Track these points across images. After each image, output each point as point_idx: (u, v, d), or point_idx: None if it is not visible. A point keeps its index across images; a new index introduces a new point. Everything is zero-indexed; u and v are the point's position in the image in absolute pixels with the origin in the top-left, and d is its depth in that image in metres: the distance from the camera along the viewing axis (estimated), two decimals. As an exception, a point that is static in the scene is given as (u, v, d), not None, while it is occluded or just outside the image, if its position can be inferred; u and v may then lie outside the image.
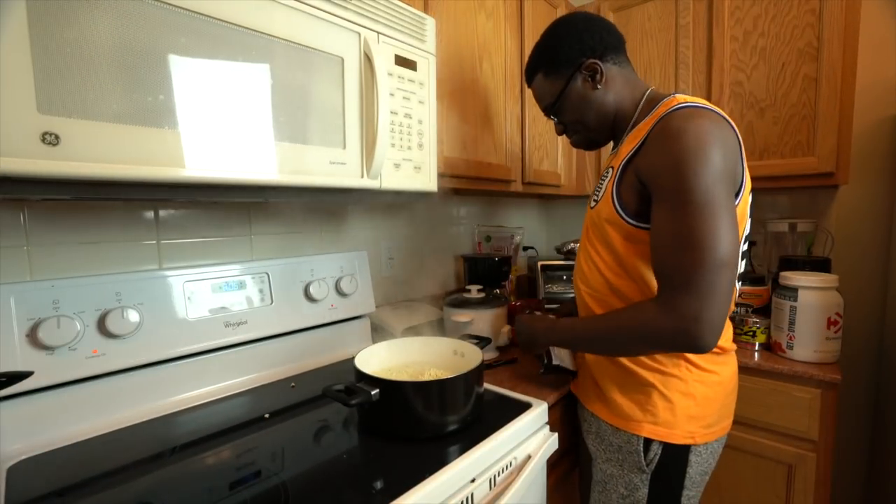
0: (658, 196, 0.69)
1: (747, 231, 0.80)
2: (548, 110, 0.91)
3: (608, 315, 0.77)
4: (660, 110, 0.75)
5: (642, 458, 0.79)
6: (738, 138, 0.70)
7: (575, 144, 0.95)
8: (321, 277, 1.10)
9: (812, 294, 1.17)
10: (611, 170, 0.82)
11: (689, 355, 0.78)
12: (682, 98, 0.74)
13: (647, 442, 0.79)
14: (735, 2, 1.39)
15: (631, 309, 0.73)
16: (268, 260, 1.04)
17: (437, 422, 0.74)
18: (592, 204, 0.86)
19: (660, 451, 0.79)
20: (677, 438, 0.78)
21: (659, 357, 0.78)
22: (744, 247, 0.81)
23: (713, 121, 0.67)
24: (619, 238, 0.78)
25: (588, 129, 0.88)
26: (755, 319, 1.29)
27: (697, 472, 0.80)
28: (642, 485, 0.80)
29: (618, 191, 0.77)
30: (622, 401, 0.82)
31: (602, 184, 0.84)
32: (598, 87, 0.84)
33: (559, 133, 0.95)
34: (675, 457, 0.79)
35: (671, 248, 0.66)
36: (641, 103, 0.83)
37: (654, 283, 0.74)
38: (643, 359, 0.79)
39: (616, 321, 0.74)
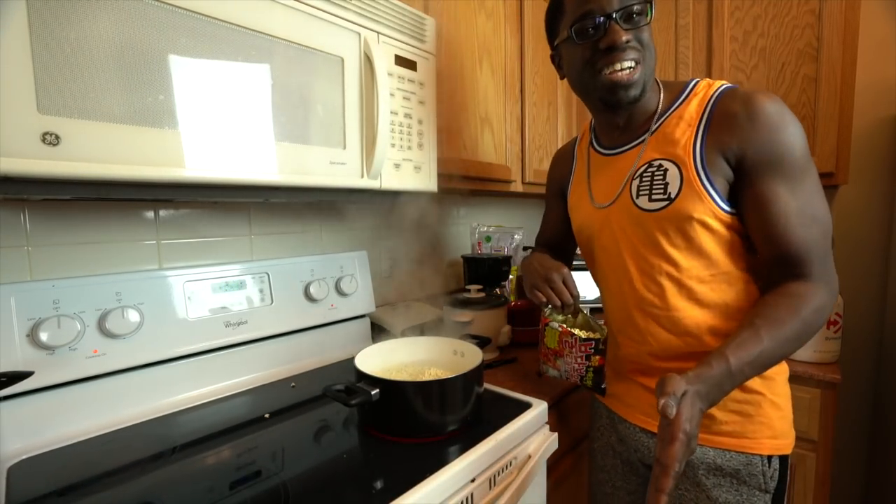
0: (771, 172, 0.64)
1: None
2: (636, 7, 0.67)
3: (781, 321, 0.61)
4: (704, 92, 0.71)
5: (767, 477, 0.71)
6: None
7: (626, 79, 0.69)
8: (321, 277, 1.10)
9: (812, 294, 1.17)
10: (665, 162, 0.71)
11: None
12: (715, 81, 0.72)
13: (769, 459, 0.71)
14: (735, 2, 1.40)
15: (797, 301, 0.62)
16: (268, 260, 1.04)
17: (437, 421, 0.74)
18: (653, 205, 0.71)
19: (778, 466, 0.71)
20: (791, 447, 0.73)
21: None
22: None
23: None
24: (712, 237, 0.69)
25: (649, 71, 0.72)
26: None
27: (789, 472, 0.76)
28: None
29: (710, 180, 0.67)
30: (726, 417, 0.72)
31: (647, 179, 0.72)
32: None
33: (618, 44, 0.67)
34: (786, 465, 0.73)
35: (800, 226, 0.64)
36: (662, 88, 0.76)
37: (741, 277, 0.70)
38: None
39: (798, 322, 0.61)
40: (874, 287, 1.51)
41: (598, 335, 0.82)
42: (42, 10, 0.50)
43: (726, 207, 0.68)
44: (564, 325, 0.85)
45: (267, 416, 0.83)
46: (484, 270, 1.40)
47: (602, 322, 0.86)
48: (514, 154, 1.37)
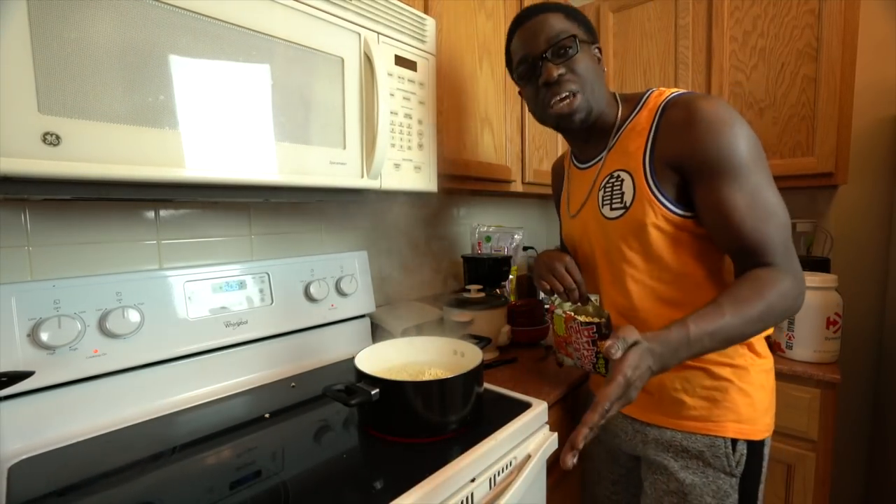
0: (714, 175, 0.67)
1: None
2: (561, 43, 0.73)
3: (745, 300, 0.63)
4: (654, 102, 0.75)
5: (732, 460, 0.74)
6: None
7: (567, 108, 0.75)
8: (321, 277, 1.10)
9: (811, 294, 1.17)
10: (621, 172, 0.77)
11: (754, 344, 0.76)
12: (666, 89, 0.76)
13: (733, 443, 0.74)
14: (734, 2, 1.40)
15: (762, 284, 0.64)
16: (268, 260, 1.04)
17: (437, 421, 0.74)
18: (613, 214, 0.77)
19: (745, 451, 0.74)
20: (760, 434, 0.75)
21: (725, 349, 0.74)
22: None
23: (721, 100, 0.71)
24: (668, 241, 0.73)
25: (594, 93, 0.76)
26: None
27: (766, 462, 0.78)
28: (732, 490, 0.75)
29: (659, 187, 0.72)
30: (694, 402, 0.76)
31: (608, 190, 0.78)
32: (604, 68, 0.80)
33: (551, 80, 0.74)
34: (756, 453, 0.75)
35: (755, 220, 0.66)
36: (620, 102, 0.81)
37: (703, 277, 0.74)
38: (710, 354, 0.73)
39: (762, 302, 0.62)
40: (874, 287, 1.51)
41: (599, 319, 0.82)
42: (43, 11, 0.50)
43: (678, 211, 0.72)
44: (568, 311, 0.86)
45: (267, 416, 0.83)
46: (484, 270, 1.40)
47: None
48: (514, 154, 1.37)
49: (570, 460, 0.50)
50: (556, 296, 0.86)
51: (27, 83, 0.50)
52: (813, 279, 1.18)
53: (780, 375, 1.17)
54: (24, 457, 0.69)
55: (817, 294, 1.17)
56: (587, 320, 0.82)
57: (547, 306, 0.89)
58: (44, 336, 0.71)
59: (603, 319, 0.81)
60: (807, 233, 1.50)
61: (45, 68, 0.51)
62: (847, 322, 1.48)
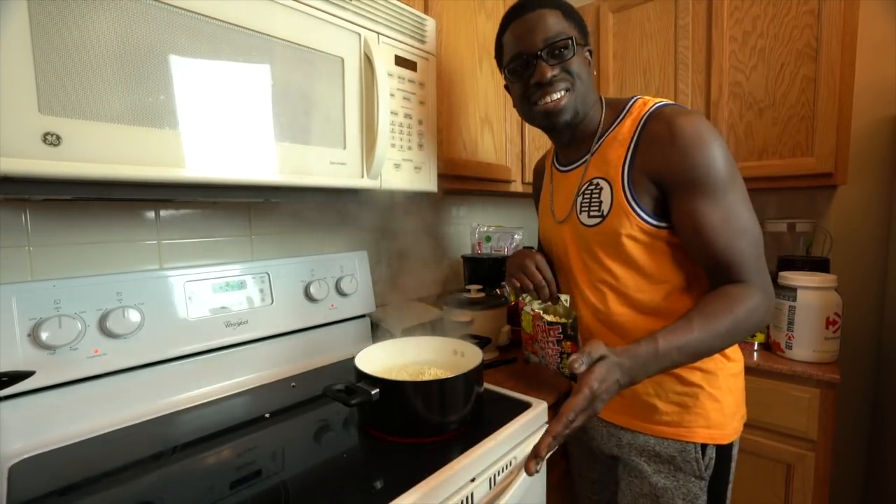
0: (691, 191, 0.68)
1: None
2: (557, 44, 0.73)
3: (714, 315, 0.64)
4: (637, 111, 0.75)
5: (702, 465, 0.76)
6: None
7: (553, 106, 0.75)
8: (321, 277, 1.10)
9: (811, 294, 1.17)
10: (600, 181, 0.77)
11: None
12: (650, 98, 0.76)
13: (703, 448, 0.76)
14: (734, 2, 1.40)
15: (731, 300, 0.65)
16: (268, 260, 1.04)
17: (437, 421, 0.74)
18: (590, 221, 0.78)
19: (714, 455, 0.76)
20: (728, 437, 0.77)
21: None
22: None
23: (702, 115, 0.72)
24: (643, 250, 0.74)
25: (583, 95, 0.76)
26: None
27: (734, 464, 0.79)
28: (702, 493, 0.77)
29: (636, 198, 0.73)
30: (666, 407, 0.77)
31: (587, 197, 0.79)
32: (593, 71, 0.79)
33: (544, 80, 0.73)
34: (725, 456, 0.77)
35: (728, 237, 0.67)
36: (605, 107, 0.81)
37: (677, 284, 0.75)
38: None
39: (730, 318, 0.63)
40: (874, 287, 1.51)
41: (565, 320, 0.81)
42: (43, 11, 0.50)
43: (653, 222, 0.73)
44: (536, 310, 0.86)
45: (267, 415, 0.83)
46: (484, 270, 1.40)
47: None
48: (514, 154, 1.38)
49: (534, 467, 0.51)
50: (526, 296, 0.87)
51: (27, 83, 0.50)
52: (812, 279, 1.18)
53: (779, 375, 1.18)
54: (24, 456, 0.69)
55: (817, 294, 1.17)
56: (554, 320, 0.83)
57: (520, 303, 0.89)
58: (44, 336, 0.71)
59: (570, 321, 0.81)
60: (806, 233, 1.50)
61: (46, 68, 0.51)
62: (847, 322, 1.48)
